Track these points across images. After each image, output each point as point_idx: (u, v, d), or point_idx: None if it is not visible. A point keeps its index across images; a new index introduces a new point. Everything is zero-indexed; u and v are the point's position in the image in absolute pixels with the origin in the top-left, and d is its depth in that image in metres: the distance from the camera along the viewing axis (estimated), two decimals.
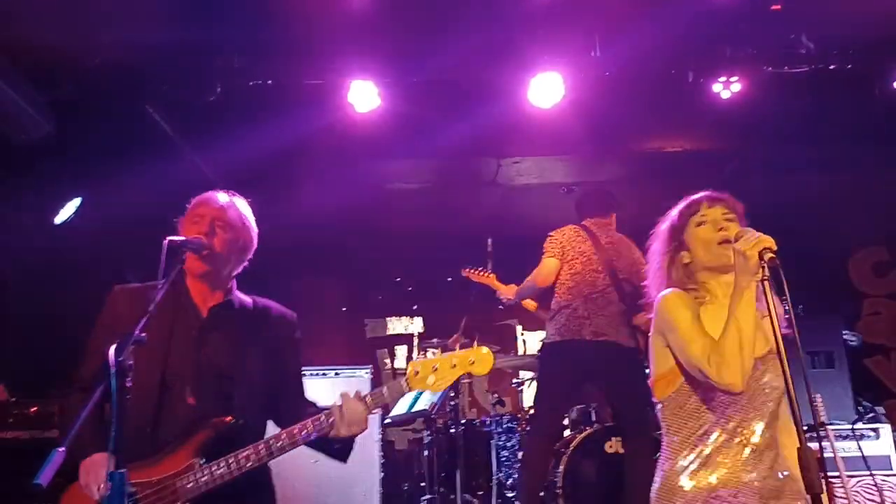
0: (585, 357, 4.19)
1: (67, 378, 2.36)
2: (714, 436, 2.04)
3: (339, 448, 2.32)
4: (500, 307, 5.11)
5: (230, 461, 2.13)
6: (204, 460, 2.15)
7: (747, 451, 2.01)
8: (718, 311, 2.09)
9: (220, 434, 2.18)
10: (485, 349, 2.21)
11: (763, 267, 1.91)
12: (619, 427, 4.44)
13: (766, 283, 1.91)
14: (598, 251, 4.35)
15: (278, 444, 2.16)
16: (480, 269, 4.95)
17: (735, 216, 2.21)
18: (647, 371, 4.49)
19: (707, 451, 2.04)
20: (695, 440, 2.06)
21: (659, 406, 2.18)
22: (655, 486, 2.12)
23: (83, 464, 2.15)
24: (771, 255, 1.91)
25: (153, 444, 2.18)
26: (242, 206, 2.46)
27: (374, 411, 2.26)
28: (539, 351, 4.56)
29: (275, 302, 2.52)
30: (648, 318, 4.64)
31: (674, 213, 2.29)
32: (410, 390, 2.22)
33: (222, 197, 2.44)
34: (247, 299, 2.47)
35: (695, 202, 2.25)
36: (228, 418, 2.20)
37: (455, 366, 2.20)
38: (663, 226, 2.31)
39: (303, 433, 2.18)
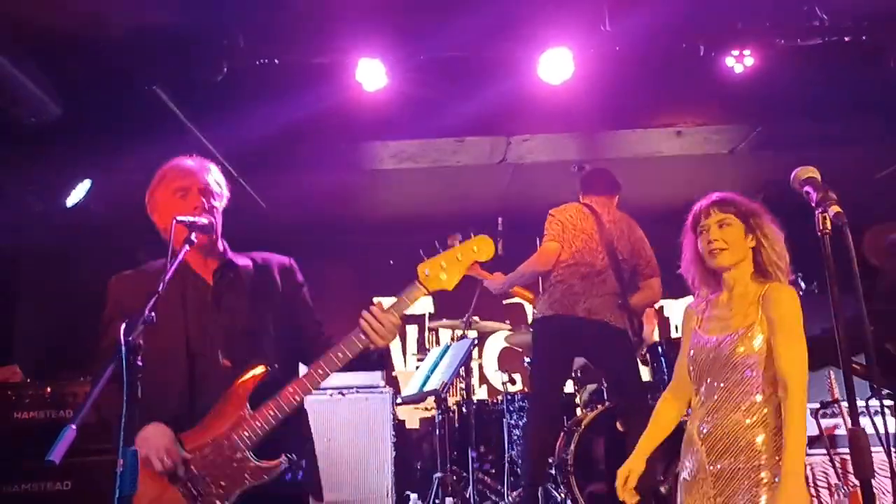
0: (577, 333, 4.19)
1: (86, 359, 2.38)
2: None
3: (377, 359, 2.36)
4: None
5: (279, 399, 2.19)
6: (250, 409, 2.21)
7: None
8: (716, 313, 2.47)
9: (259, 383, 2.23)
10: (484, 235, 2.30)
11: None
12: (616, 404, 4.47)
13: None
14: (601, 230, 4.32)
15: (320, 371, 2.22)
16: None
17: (730, 216, 2.43)
18: (636, 351, 4.53)
19: None
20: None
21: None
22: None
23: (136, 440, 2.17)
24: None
25: (195, 414, 2.23)
26: (213, 168, 2.46)
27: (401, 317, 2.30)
28: (531, 326, 4.54)
29: (269, 252, 2.55)
30: (646, 299, 4.69)
31: (686, 224, 2.56)
32: (426, 291, 2.25)
33: (193, 163, 2.42)
34: (243, 257, 2.48)
35: (694, 213, 2.53)
36: (262, 368, 2.25)
37: (460, 257, 2.27)
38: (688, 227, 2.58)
39: (339, 355, 2.23)
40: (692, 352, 2.48)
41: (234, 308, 2.36)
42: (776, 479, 2.23)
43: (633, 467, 2.53)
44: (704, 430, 2.39)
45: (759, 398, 2.33)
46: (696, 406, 2.47)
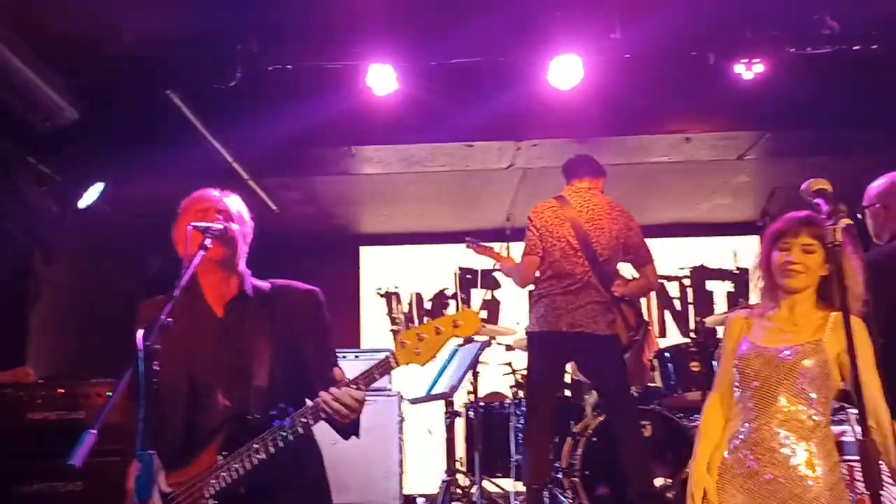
0: (564, 346, 4.25)
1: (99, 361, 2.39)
2: None
3: (346, 427, 2.25)
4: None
5: (243, 455, 2.15)
6: (223, 458, 2.18)
7: None
8: (774, 325, 2.46)
9: (238, 430, 2.19)
10: (469, 310, 2.10)
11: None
12: (605, 411, 4.53)
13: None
14: (577, 234, 4.24)
15: (283, 434, 2.14)
16: (482, 241, 4.94)
17: (816, 243, 2.39)
18: (626, 356, 4.57)
19: None
20: None
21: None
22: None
23: (129, 469, 2.17)
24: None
25: (189, 449, 2.23)
26: (237, 199, 2.48)
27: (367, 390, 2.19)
28: (525, 335, 4.60)
29: (296, 282, 2.49)
30: (641, 287, 4.69)
31: (770, 230, 2.53)
32: (398, 365, 2.11)
33: (216, 192, 2.44)
34: (263, 285, 2.44)
35: (780, 227, 2.49)
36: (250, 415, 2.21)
37: (439, 331, 2.09)
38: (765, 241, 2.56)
39: (301, 420, 2.16)
40: (740, 359, 2.49)
41: (239, 346, 2.32)
42: (829, 493, 2.32)
43: (705, 485, 2.46)
44: (752, 436, 2.41)
45: (813, 412, 2.38)
46: (740, 411, 2.48)
